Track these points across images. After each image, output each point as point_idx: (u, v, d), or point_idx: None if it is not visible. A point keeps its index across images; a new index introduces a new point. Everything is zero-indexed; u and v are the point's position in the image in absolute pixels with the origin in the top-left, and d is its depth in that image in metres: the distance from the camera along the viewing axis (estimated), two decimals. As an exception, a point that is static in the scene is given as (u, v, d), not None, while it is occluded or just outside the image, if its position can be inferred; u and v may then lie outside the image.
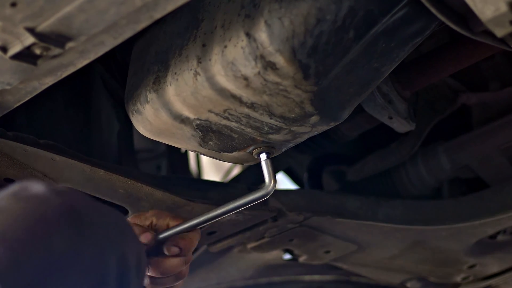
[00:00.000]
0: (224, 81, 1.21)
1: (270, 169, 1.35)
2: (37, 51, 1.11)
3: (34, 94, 1.27)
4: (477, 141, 1.90)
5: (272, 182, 1.35)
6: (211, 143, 1.37)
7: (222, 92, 1.24)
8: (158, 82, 1.31)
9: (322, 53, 1.17)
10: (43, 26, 1.07)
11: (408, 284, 2.16)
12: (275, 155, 1.38)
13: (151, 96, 1.32)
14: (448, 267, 2.07)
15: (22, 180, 1.50)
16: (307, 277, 2.19)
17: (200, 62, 1.23)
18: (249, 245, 1.91)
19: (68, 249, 0.92)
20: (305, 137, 1.34)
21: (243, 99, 1.24)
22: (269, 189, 1.34)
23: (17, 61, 1.12)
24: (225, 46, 1.19)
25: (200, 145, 1.38)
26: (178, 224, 1.33)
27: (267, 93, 1.21)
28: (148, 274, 1.30)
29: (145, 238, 1.30)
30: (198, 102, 1.27)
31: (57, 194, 0.97)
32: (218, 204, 1.48)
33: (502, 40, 1.19)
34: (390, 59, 1.27)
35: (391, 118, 1.55)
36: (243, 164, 1.46)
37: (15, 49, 1.10)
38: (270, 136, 1.32)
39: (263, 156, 1.36)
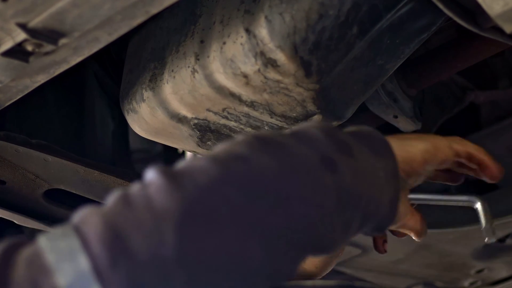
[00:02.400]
0: (223, 78, 1.22)
1: None
2: (29, 48, 1.11)
3: (26, 92, 1.28)
4: (486, 141, 1.90)
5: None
6: (209, 143, 1.37)
7: (220, 90, 1.24)
8: (155, 80, 1.31)
9: (324, 50, 1.17)
10: (35, 21, 1.07)
11: (414, 289, 2.16)
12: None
13: (147, 94, 1.32)
14: (455, 272, 2.07)
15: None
16: (309, 283, 2.19)
17: (198, 59, 1.23)
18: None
19: None
20: (307, 137, 1.34)
21: (243, 98, 1.24)
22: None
23: (8, 58, 1.12)
24: (224, 43, 1.19)
25: (198, 145, 1.38)
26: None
27: (268, 91, 1.21)
28: None
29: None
30: (195, 100, 1.27)
31: None
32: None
33: (511, 36, 1.19)
34: (395, 56, 1.27)
35: (396, 117, 1.55)
36: (242, 165, 1.46)
37: (6, 45, 1.10)
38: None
39: None
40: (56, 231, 0.71)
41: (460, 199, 1.27)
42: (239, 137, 0.81)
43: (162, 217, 0.70)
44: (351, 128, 0.90)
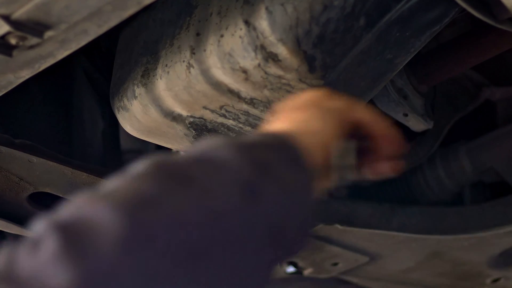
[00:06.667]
0: (220, 74, 1.22)
1: None
2: (12, 41, 1.11)
3: (9, 88, 1.28)
4: (502, 141, 1.90)
5: None
6: (206, 143, 1.37)
7: (218, 86, 1.24)
8: (147, 76, 1.31)
9: (329, 43, 1.17)
10: (19, 13, 1.07)
11: (426, 300, 2.16)
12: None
13: (139, 91, 1.32)
14: (469, 281, 2.07)
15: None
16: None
17: (194, 53, 1.23)
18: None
19: None
20: (311, 136, 1.34)
21: (242, 94, 1.24)
22: None
23: (-10, 52, 1.13)
24: (222, 36, 1.19)
25: (194, 145, 1.38)
26: None
27: (268, 88, 1.21)
28: None
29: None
30: (191, 97, 1.27)
31: None
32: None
33: (529, 29, 1.20)
34: (405, 50, 1.27)
35: (406, 115, 1.55)
36: (241, 166, 1.46)
37: (-13, 38, 1.10)
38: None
39: None
40: None
41: None
42: (138, 167, 0.72)
43: None
44: (259, 138, 0.82)
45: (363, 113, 0.90)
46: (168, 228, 0.66)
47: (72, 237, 0.63)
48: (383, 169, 0.93)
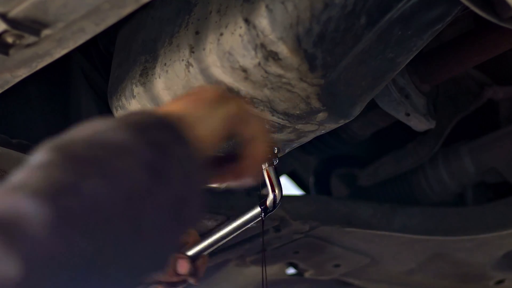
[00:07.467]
0: (220, 73, 1.22)
1: (274, 176, 1.35)
2: (9, 40, 1.11)
3: (6, 88, 1.27)
4: (505, 141, 1.90)
5: (277, 191, 1.34)
6: (205, 143, 1.37)
7: (217, 85, 1.24)
8: (146, 74, 1.31)
9: (330, 42, 1.17)
10: (16, 11, 1.07)
11: (428, 302, 2.16)
12: (278, 157, 1.38)
13: (138, 90, 1.32)
14: (472, 283, 2.07)
15: None
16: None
17: (193, 52, 1.23)
18: (248, 258, 1.91)
19: None
20: (311, 136, 1.34)
21: (242, 94, 1.24)
22: (275, 202, 1.33)
23: (-14, 51, 1.12)
24: (221, 34, 1.19)
25: (193, 145, 1.38)
26: (201, 240, 1.31)
27: (269, 87, 1.21)
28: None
29: (183, 268, 1.26)
30: (190, 97, 1.27)
31: None
32: (214, 212, 1.47)
33: (533, 27, 1.19)
34: (407, 49, 1.27)
35: (408, 115, 1.55)
36: (241, 166, 1.46)
37: (-16, 37, 1.10)
38: (272, 135, 1.32)
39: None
40: None
41: (247, 219, 1.34)
42: (38, 156, 0.79)
43: None
44: (152, 118, 0.87)
45: (251, 128, 0.95)
46: (89, 212, 0.72)
47: (3, 231, 0.67)
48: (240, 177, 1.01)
